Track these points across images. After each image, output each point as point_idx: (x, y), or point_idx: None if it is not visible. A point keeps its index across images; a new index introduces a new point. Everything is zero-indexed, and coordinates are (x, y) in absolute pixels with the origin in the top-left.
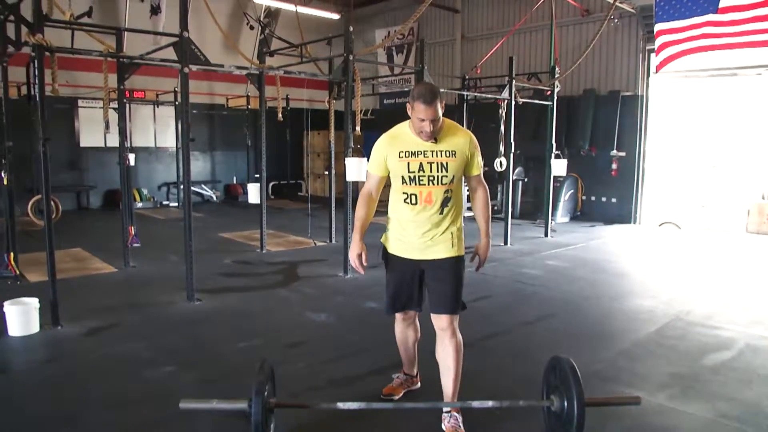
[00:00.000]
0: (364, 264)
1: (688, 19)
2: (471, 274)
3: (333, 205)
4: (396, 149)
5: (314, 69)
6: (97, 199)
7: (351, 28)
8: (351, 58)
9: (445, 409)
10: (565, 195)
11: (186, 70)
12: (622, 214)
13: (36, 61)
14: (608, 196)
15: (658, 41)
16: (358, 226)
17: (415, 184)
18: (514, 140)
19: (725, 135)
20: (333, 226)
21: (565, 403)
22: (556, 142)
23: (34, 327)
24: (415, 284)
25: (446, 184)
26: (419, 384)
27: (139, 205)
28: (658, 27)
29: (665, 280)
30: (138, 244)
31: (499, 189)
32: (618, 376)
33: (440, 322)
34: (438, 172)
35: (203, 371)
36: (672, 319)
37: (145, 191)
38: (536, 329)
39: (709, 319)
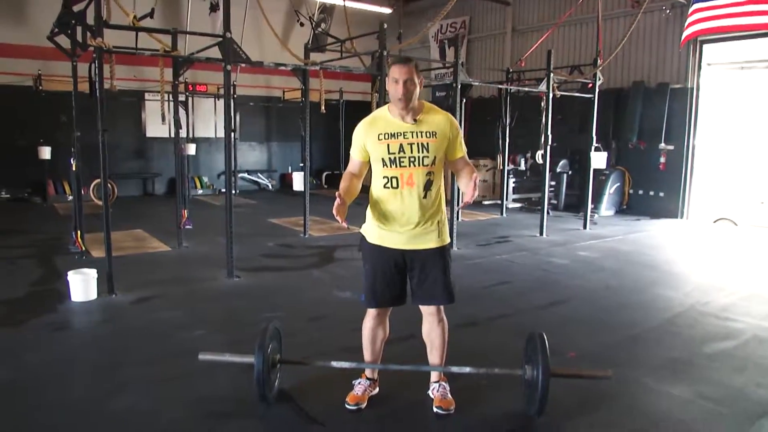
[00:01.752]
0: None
1: None
2: (497, 260)
3: None
4: (375, 132)
5: (361, 64)
6: (162, 186)
7: (385, 25)
8: (385, 53)
9: (433, 379)
10: (611, 188)
11: (228, 67)
12: (669, 208)
13: (97, 61)
14: (656, 190)
15: (691, 18)
16: (342, 186)
17: (396, 166)
18: (561, 133)
19: None
20: None
21: (534, 372)
22: (603, 134)
23: (92, 294)
24: (399, 277)
25: (428, 165)
26: (378, 389)
27: (200, 191)
28: (694, 6)
29: (694, 274)
30: (190, 226)
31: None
32: (613, 358)
33: (431, 310)
34: (419, 152)
35: (230, 335)
36: (687, 309)
37: (205, 179)
38: (546, 313)
39: (725, 311)
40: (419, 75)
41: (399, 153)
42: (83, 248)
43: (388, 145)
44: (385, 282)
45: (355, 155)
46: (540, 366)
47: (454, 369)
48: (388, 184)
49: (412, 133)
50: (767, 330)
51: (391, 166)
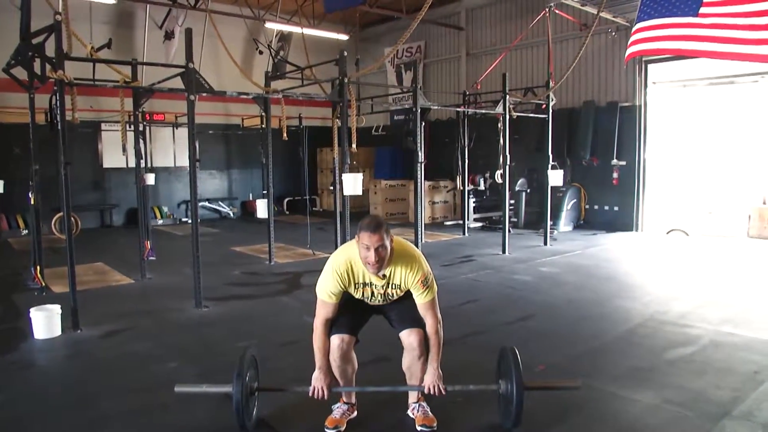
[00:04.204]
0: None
1: (667, 18)
2: (462, 280)
3: (338, 219)
4: (352, 282)
5: (322, 90)
6: (120, 217)
7: (345, 53)
8: (345, 80)
9: (411, 400)
10: (568, 204)
11: (192, 97)
12: (624, 222)
13: (58, 94)
14: (610, 204)
15: (633, 37)
16: (322, 356)
17: (368, 301)
18: (518, 152)
19: (726, 141)
20: (338, 238)
21: (509, 386)
22: (558, 152)
23: (57, 330)
24: (361, 309)
25: (395, 299)
26: (356, 412)
27: (160, 222)
28: (637, 26)
29: (651, 284)
30: (153, 258)
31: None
32: (580, 369)
33: (412, 338)
34: (386, 297)
35: (203, 366)
36: (646, 318)
37: (165, 209)
38: (513, 329)
39: (682, 318)
40: (389, 235)
41: (371, 297)
42: (43, 284)
43: (363, 291)
44: (348, 310)
45: (331, 299)
46: (514, 380)
47: None
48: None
49: (381, 285)
50: (723, 335)
51: (363, 299)
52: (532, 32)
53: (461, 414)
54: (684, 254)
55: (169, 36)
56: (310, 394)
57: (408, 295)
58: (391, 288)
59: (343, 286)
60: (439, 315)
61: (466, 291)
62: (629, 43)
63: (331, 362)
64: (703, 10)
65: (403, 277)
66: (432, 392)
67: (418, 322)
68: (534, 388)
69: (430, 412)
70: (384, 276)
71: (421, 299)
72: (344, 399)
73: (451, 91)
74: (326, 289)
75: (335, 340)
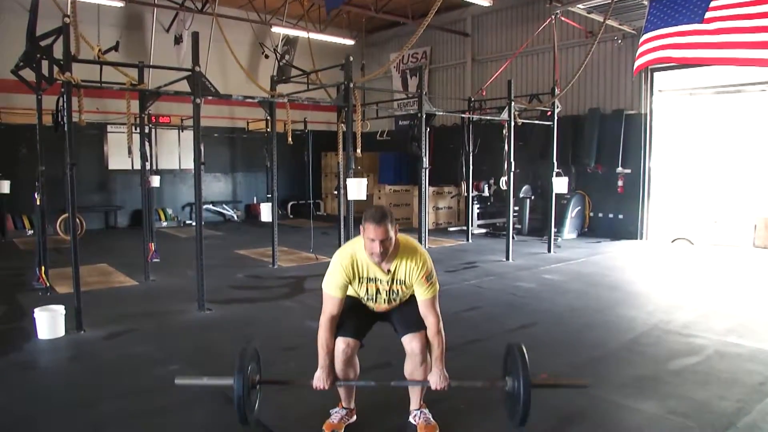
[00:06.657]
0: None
1: (673, 27)
2: (465, 286)
3: (342, 223)
4: (356, 275)
5: (327, 95)
6: (125, 219)
7: (351, 58)
8: (351, 85)
9: (413, 407)
10: (572, 212)
11: (198, 100)
12: (629, 230)
13: (65, 95)
14: (615, 212)
15: (641, 48)
16: (325, 354)
17: (373, 301)
18: (523, 159)
19: (732, 150)
20: (342, 242)
21: (515, 384)
22: (562, 160)
23: (60, 331)
24: (366, 313)
25: (398, 301)
26: (355, 417)
27: (164, 224)
28: (644, 37)
29: (655, 293)
30: (158, 260)
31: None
32: (583, 378)
33: (414, 344)
34: (390, 295)
35: (205, 368)
36: (650, 327)
37: (169, 211)
38: (516, 336)
39: (686, 328)
40: (393, 225)
41: (375, 294)
42: (47, 284)
43: (367, 288)
44: (354, 313)
45: (337, 293)
46: (521, 378)
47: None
48: (365, 303)
49: (386, 281)
50: (727, 345)
51: (368, 301)
52: (537, 39)
53: (463, 421)
54: (688, 263)
55: (178, 40)
56: (314, 387)
57: (411, 299)
58: (396, 284)
59: (348, 280)
60: (440, 313)
61: (469, 297)
62: (638, 54)
63: (334, 365)
64: (708, 15)
65: (408, 272)
66: (438, 388)
67: (419, 326)
68: (541, 386)
69: (432, 419)
70: (389, 271)
71: (423, 296)
72: (343, 404)
73: (456, 97)
74: (332, 283)
75: (340, 344)
